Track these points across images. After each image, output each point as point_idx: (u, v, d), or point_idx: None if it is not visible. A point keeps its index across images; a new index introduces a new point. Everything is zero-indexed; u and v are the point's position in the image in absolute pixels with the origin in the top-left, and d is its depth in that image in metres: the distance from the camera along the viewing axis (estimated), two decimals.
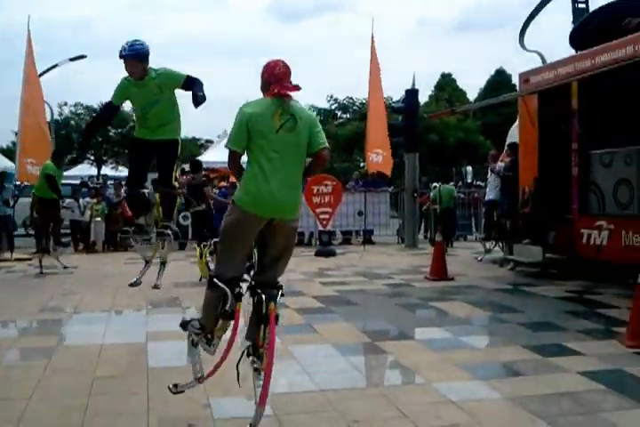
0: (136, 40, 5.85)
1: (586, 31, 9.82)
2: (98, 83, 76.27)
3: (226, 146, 3.98)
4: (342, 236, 16.46)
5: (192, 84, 5.75)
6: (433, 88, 47.38)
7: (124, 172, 41.47)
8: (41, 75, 18.76)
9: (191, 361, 4.32)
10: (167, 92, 5.95)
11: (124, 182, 17.33)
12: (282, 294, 4.01)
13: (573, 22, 10.23)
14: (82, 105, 43.87)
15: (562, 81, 9.15)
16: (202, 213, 11.42)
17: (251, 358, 3.96)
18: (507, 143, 13.04)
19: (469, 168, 21.16)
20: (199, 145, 53.60)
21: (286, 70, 4.06)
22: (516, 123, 11.97)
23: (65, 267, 11.59)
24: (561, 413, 4.11)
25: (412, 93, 15.57)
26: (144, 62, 5.87)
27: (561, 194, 9.82)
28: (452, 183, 18.25)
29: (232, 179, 18.68)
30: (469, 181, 19.83)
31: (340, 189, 14.09)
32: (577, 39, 10.06)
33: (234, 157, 3.98)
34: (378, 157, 15.62)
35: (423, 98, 41.97)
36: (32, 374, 5.07)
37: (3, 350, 5.94)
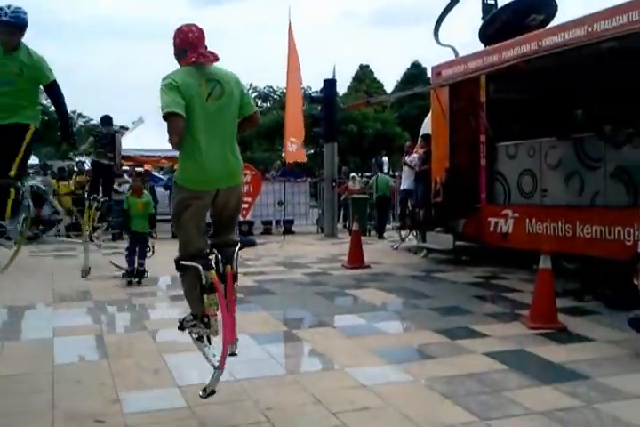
0: (19, 8, 5.11)
1: (493, 27, 10.09)
2: None
3: (163, 113, 3.65)
4: (263, 226, 16.47)
5: (55, 93, 5.36)
6: (352, 79, 47.79)
7: (31, 159, 39.58)
8: None
9: (204, 355, 4.10)
10: (27, 81, 5.19)
11: (31, 171, 16.68)
12: (240, 248, 4.10)
13: (483, 18, 10.47)
14: None
15: (470, 75, 9.38)
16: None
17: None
18: (420, 135, 13.30)
19: (385, 159, 21.47)
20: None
21: (200, 35, 3.89)
22: (429, 115, 12.21)
23: None
24: (467, 392, 4.26)
25: (330, 83, 15.58)
26: (21, 34, 5.14)
27: (471, 184, 10.10)
28: (368, 174, 18.47)
29: (147, 167, 18.36)
30: (386, 171, 20.10)
31: (260, 179, 13.95)
32: (485, 34, 10.32)
33: (176, 121, 3.64)
34: (293, 146, 15.44)
35: (342, 89, 42.36)
36: None
37: None
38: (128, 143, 24.56)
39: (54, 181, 15.32)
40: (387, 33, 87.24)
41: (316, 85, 31.28)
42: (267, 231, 16.28)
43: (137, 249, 8.63)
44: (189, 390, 4.27)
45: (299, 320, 6.61)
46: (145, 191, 9.22)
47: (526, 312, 6.24)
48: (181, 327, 4.16)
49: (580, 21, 7.76)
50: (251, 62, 76.14)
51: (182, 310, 6.79)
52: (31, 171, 16.71)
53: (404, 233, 12.54)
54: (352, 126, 33.67)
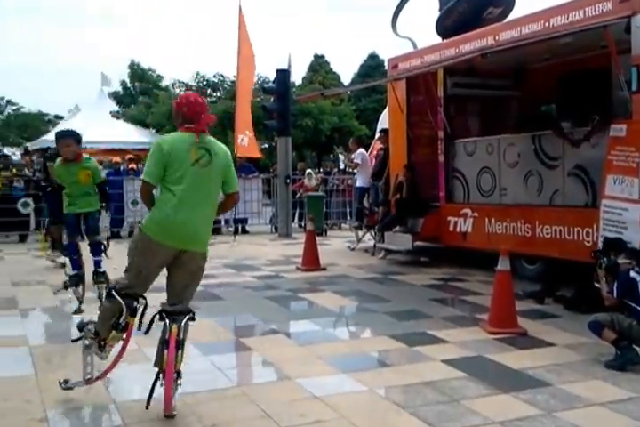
0: None
1: (450, 19, 10.15)
2: None
3: (141, 178, 4.13)
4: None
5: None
6: (307, 69, 47.72)
7: None
8: None
9: (82, 362, 4.35)
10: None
11: None
12: (192, 318, 4.25)
13: (439, 10, 10.51)
14: None
15: (427, 68, 9.43)
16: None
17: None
18: (378, 129, 13.34)
19: (342, 156, 21.47)
20: (47, 121, 49.96)
21: (204, 105, 4.29)
22: (387, 109, 12.25)
23: None
24: (425, 402, 4.27)
25: (283, 74, 15.25)
26: None
27: (430, 182, 10.17)
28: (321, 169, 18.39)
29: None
30: (342, 167, 20.09)
31: None
32: (442, 27, 10.38)
33: (147, 188, 4.11)
34: (244, 139, 15.05)
35: (297, 80, 42.24)
36: None
37: None
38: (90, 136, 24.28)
39: None
40: (343, 22, 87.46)
41: (270, 75, 31.14)
42: (215, 231, 16.10)
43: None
44: (127, 407, 4.18)
45: (248, 328, 6.54)
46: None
47: (486, 316, 6.30)
48: (80, 328, 4.46)
49: (537, 16, 7.86)
50: (199, 48, 75.44)
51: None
52: None
53: (361, 233, 12.54)
54: (307, 120, 33.60)
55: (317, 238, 10.51)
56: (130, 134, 24.18)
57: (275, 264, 10.52)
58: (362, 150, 13.17)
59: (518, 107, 10.38)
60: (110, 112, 26.97)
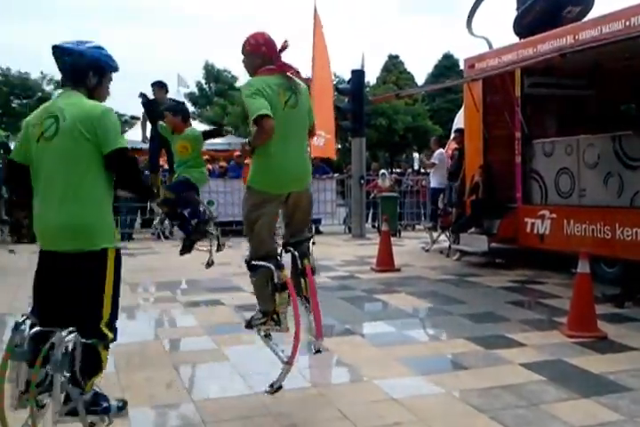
0: None
1: (527, 19, 9.98)
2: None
3: (253, 117, 3.83)
4: None
5: None
6: (380, 70, 47.61)
7: None
8: None
9: (272, 351, 4.36)
10: None
11: None
12: (313, 243, 4.39)
13: (517, 9, 10.35)
14: None
15: (505, 68, 9.29)
16: None
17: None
18: (453, 129, 13.22)
19: (416, 155, 21.31)
20: (124, 121, 51.50)
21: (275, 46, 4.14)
22: (462, 109, 12.12)
23: (11, 251, 10.80)
24: (503, 406, 4.20)
25: (358, 75, 15.16)
26: None
27: (506, 183, 10.01)
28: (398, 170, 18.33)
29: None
30: (417, 168, 19.94)
31: None
32: (520, 26, 10.21)
33: (269, 121, 3.83)
34: (319, 139, 15.00)
35: (371, 80, 42.19)
36: None
37: None
38: (139, 135, 24.53)
39: None
40: (418, 22, 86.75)
41: (343, 76, 31.18)
42: None
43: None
44: (205, 405, 4.25)
45: (323, 328, 6.52)
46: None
47: (564, 319, 6.16)
48: (249, 325, 4.41)
49: (618, 14, 7.66)
50: None
51: (196, 316, 6.90)
52: None
53: (435, 234, 12.44)
54: (381, 120, 33.51)
55: (391, 239, 10.48)
56: None
57: (349, 265, 10.53)
58: (441, 150, 13.07)
59: (596, 107, 10.11)
60: None
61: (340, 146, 31.02)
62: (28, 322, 3.19)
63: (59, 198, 3.20)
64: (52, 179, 3.22)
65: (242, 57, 4.23)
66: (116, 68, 3.48)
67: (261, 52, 4.08)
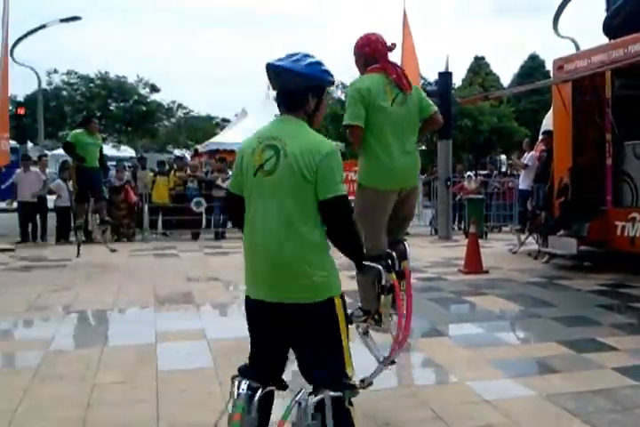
0: None
1: (618, 19, 9.73)
2: (95, 49, 74.65)
3: (345, 124, 4.01)
4: None
5: None
6: (466, 72, 46.98)
7: (125, 151, 38.64)
8: (24, 36, 17.15)
9: (369, 350, 4.37)
10: None
11: (128, 165, 17.02)
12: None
13: (607, 10, 10.11)
14: (75, 73, 38.91)
15: (595, 70, 9.10)
16: None
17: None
18: (541, 131, 12.98)
19: (504, 157, 20.93)
20: (215, 124, 51.65)
21: (385, 44, 4.19)
22: (551, 110, 11.90)
23: (113, 250, 11.10)
24: (596, 410, 4.16)
25: (445, 76, 15.12)
26: None
27: (596, 185, 9.79)
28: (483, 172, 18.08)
29: None
30: (504, 170, 19.61)
31: None
32: (610, 27, 9.97)
33: (357, 132, 4.01)
34: None
35: (456, 82, 41.70)
36: (17, 383, 4.71)
37: None
38: (231, 137, 25.12)
39: (151, 175, 15.27)
40: (503, 23, 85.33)
41: (428, 77, 30.94)
42: None
43: None
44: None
45: (413, 328, 6.56)
46: None
47: None
48: (349, 321, 4.20)
49: None
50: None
51: None
52: (128, 164, 17.06)
53: (523, 236, 12.24)
54: (466, 121, 33.09)
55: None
56: None
57: (436, 266, 10.49)
58: (533, 153, 12.83)
59: None
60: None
61: (424, 147, 30.83)
62: (245, 384, 2.96)
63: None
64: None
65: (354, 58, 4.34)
66: (333, 82, 3.10)
67: (364, 53, 4.16)
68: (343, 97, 33.05)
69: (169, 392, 4.54)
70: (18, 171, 14.16)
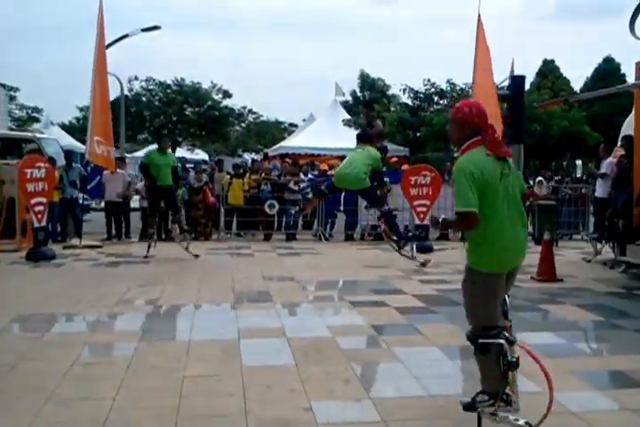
0: None
1: None
2: (171, 56, 76.99)
3: (458, 210, 3.74)
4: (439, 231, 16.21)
5: None
6: (534, 75, 46.12)
7: (199, 155, 40.64)
8: (109, 45, 17.96)
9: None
10: None
11: (205, 167, 17.54)
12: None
13: None
14: (154, 80, 40.86)
15: None
16: None
17: None
18: (621, 136, 12.61)
19: (579, 162, 20.36)
20: (282, 129, 53.04)
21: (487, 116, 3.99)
22: (631, 115, 11.55)
23: (196, 256, 11.50)
24: None
25: (518, 80, 14.56)
26: None
27: None
28: (556, 178, 17.68)
29: (323, 167, 18.69)
30: (579, 175, 19.12)
31: (440, 181, 13.54)
32: None
33: (473, 219, 3.73)
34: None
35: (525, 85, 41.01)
36: (113, 373, 4.97)
37: (78, 346, 5.75)
38: (299, 141, 25.41)
39: (227, 177, 15.84)
40: (572, 25, 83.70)
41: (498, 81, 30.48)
42: (443, 236, 16.07)
43: None
44: (382, 403, 4.33)
45: None
46: None
47: None
48: (472, 409, 4.00)
49: None
50: (428, 57, 76.25)
51: (363, 316, 7.03)
52: (205, 167, 17.54)
53: (599, 245, 11.91)
54: (535, 126, 32.43)
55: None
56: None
57: None
58: (611, 159, 12.48)
59: None
60: (342, 120, 27.81)
61: None
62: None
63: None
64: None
65: (450, 122, 4.08)
66: None
67: (473, 123, 3.89)
68: (410, 102, 32.81)
69: (254, 387, 4.67)
70: (105, 172, 14.81)
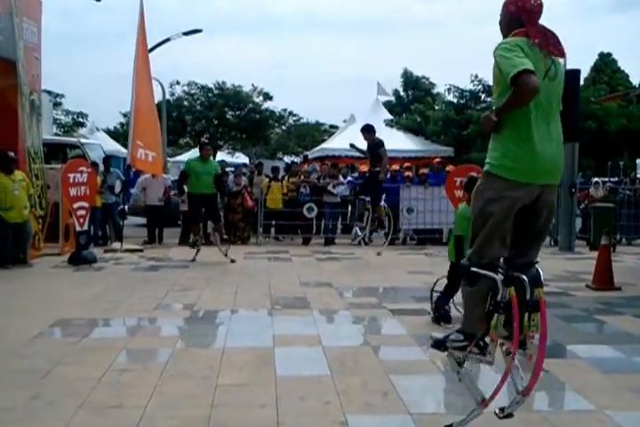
0: None
1: None
2: (213, 60, 77.92)
3: (512, 74, 3.25)
4: None
5: None
6: (589, 69, 45.31)
7: (240, 158, 41.42)
8: (151, 50, 18.25)
9: (464, 384, 3.85)
10: None
11: (245, 170, 17.73)
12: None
13: None
14: (195, 84, 41.22)
15: None
16: None
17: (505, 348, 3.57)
18: None
19: (639, 161, 19.88)
20: (323, 130, 53.04)
21: (540, 7, 3.56)
22: None
23: (232, 260, 11.64)
24: None
25: (573, 74, 14.38)
26: None
27: None
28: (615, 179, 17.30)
29: (362, 169, 18.58)
30: (639, 175, 18.68)
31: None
32: None
33: (532, 78, 3.23)
34: None
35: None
36: (147, 380, 5.01)
37: (114, 351, 5.81)
38: (339, 143, 25.29)
39: (267, 180, 15.95)
40: (630, 17, 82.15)
41: None
42: None
43: None
44: (423, 419, 4.24)
45: None
46: None
47: None
48: (441, 346, 3.77)
49: None
50: (473, 55, 75.78)
51: (404, 324, 6.92)
52: (244, 170, 17.69)
53: None
54: (590, 123, 31.80)
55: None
56: (404, 142, 24.87)
57: (560, 280, 10.06)
58: None
59: None
60: (384, 121, 27.68)
61: None
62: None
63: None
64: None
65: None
66: None
67: (509, 11, 3.56)
68: (455, 101, 32.52)
69: (288, 399, 4.63)
70: (146, 176, 15.12)
